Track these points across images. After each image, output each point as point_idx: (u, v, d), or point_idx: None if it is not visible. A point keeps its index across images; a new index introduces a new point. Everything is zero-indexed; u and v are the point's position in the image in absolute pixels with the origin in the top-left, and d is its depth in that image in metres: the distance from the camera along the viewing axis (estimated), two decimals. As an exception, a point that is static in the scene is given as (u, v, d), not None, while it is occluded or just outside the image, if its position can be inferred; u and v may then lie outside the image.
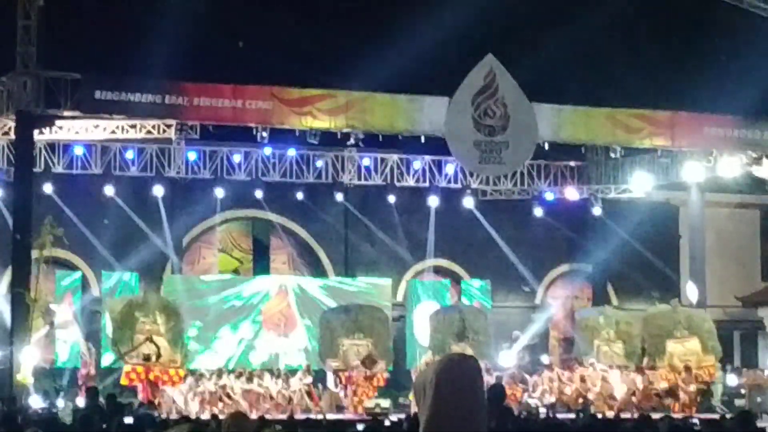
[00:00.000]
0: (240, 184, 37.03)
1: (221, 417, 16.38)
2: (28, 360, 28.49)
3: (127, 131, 33.49)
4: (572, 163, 39.27)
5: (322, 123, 31.37)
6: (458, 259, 39.67)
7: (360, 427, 17.29)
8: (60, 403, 27.91)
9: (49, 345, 33.63)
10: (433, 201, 38.55)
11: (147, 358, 29.92)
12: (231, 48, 31.75)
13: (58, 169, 35.18)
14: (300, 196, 37.49)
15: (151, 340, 30.05)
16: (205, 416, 24.98)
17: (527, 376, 33.32)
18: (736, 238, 41.82)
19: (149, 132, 33.43)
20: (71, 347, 34.04)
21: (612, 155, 35.17)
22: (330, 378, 32.39)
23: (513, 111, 32.02)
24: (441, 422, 4.01)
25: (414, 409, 24.65)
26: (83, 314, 34.96)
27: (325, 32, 34.13)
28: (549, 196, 39.39)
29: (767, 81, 33.14)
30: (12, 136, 31.63)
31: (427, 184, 38.54)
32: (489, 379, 27.24)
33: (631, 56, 35.44)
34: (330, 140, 32.76)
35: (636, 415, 21.94)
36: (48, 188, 34.29)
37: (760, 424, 16.28)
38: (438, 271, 39.86)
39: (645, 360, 33.18)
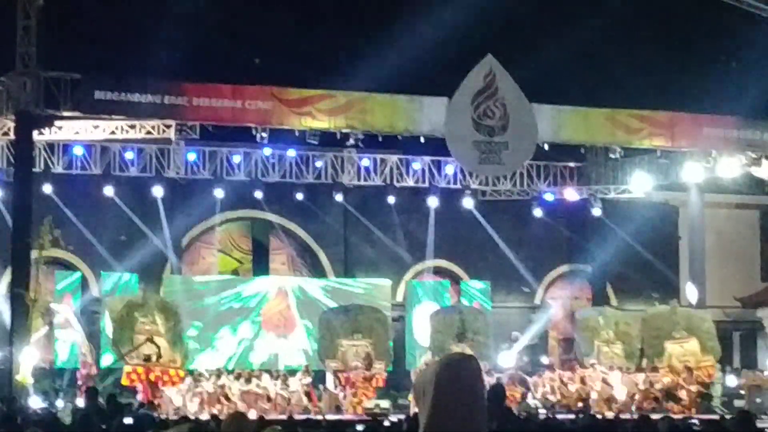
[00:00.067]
0: (239, 184, 37.02)
1: (221, 417, 16.38)
2: (27, 360, 28.49)
3: (127, 131, 33.49)
4: (572, 164, 39.27)
5: (322, 123, 31.37)
6: (458, 259, 39.67)
7: (360, 427, 17.28)
8: (59, 403, 27.90)
9: (48, 345, 33.62)
10: (433, 201, 38.55)
11: (147, 358, 29.95)
12: (231, 48, 31.74)
13: (58, 169, 35.16)
14: (299, 196, 37.48)
15: (152, 341, 30.09)
16: (204, 416, 24.96)
17: (527, 377, 33.31)
18: (736, 239, 41.83)
19: (149, 132, 33.42)
20: (71, 347, 34.03)
21: (611, 156, 35.16)
22: (329, 378, 32.39)
23: (513, 111, 32.03)
24: (441, 422, 4.00)
25: (413, 409, 24.64)
26: (83, 315, 34.93)
27: (325, 32, 34.14)
28: (548, 196, 39.38)
29: (767, 81, 33.14)
30: (12, 136, 31.62)
31: (426, 185, 38.54)
32: (490, 380, 27.25)
33: (631, 57, 35.43)
34: (329, 141, 32.76)
35: (636, 416, 21.95)
36: (47, 188, 34.27)
37: (759, 424, 16.28)
38: (437, 271, 39.87)
39: (644, 361, 33.21)
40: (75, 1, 31.71)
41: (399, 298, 38.94)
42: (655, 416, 18.32)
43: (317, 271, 38.87)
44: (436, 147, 33.80)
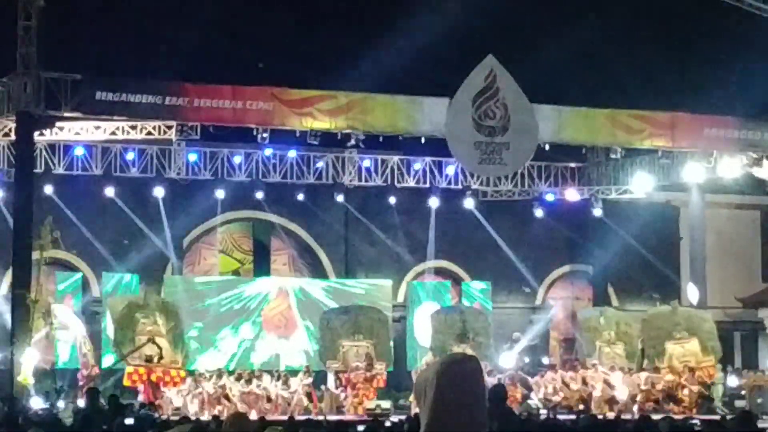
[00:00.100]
0: (240, 185, 37.02)
1: (222, 418, 16.38)
2: (28, 361, 28.48)
3: (128, 132, 33.50)
4: (573, 164, 39.27)
5: (323, 124, 31.37)
6: (459, 260, 39.67)
7: (361, 428, 17.27)
8: (60, 404, 27.89)
9: (49, 346, 33.60)
10: (434, 202, 38.56)
11: (149, 359, 29.98)
12: (231, 49, 31.75)
13: (59, 170, 35.17)
14: (300, 197, 37.48)
15: (153, 341, 30.11)
16: (205, 417, 24.96)
17: (528, 378, 33.31)
18: (737, 239, 41.82)
19: (150, 133, 33.43)
20: (71, 348, 34.02)
21: (612, 156, 35.14)
22: (331, 379, 32.40)
23: (513, 112, 32.02)
24: (442, 423, 4.00)
25: (414, 410, 24.64)
26: (83, 315, 34.94)
27: (326, 33, 34.15)
28: (549, 197, 39.38)
29: (767, 82, 33.13)
30: (12, 137, 31.63)
31: (427, 185, 38.53)
32: (491, 381, 27.26)
33: (632, 57, 35.43)
34: (330, 141, 32.76)
35: (636, 416, 21.95)
36: (48, 189, 34.29)
37: (760, 424, 16.27)
38: (438, 272, 39.86)
39: (645, 362, 33.21)
40: (75, 1, 31.72)
41: (400, 298, 38.95)
42: (655, 416, 18.32)
43: (318, 271, 38.87)
44: (437, 147, 33.80)
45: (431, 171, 38.44)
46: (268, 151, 36.50)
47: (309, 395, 31.68)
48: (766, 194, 39.63)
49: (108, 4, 31.77)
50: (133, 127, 33.23)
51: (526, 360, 36.05)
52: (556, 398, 32.27)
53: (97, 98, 29.64)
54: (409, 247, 39.23)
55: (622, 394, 32.07)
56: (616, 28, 34.69)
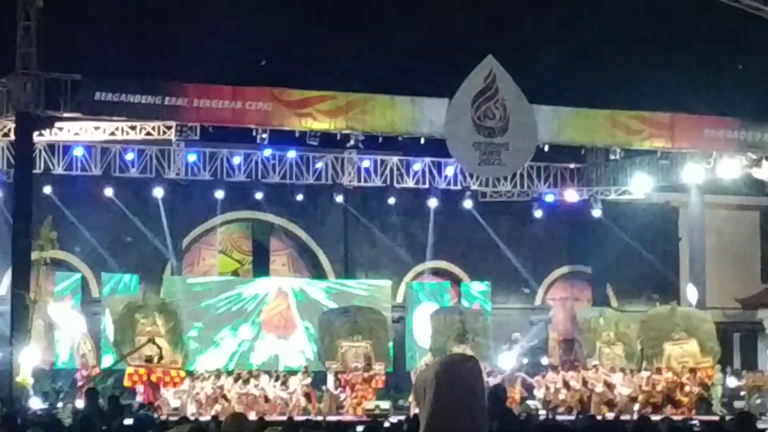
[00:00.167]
0: (240, 185, 37.01)
1: (221, 418, 16.37)
2: (27, 361, 28.47)
3: (127, 132, 33.48)
4: (572, 165, 39.26)
5: (322, 124, 31.37)
6: (458, 260, 39.66)
7: (360, 428, 17.27)
8: (59, 404, 27.88)
9: (49, 346, 33.60)
10: (433, 202, 38.54)
11: (149, 359, 30.00)
12: (231, 49, 31.73)
13: (58, 170, 35.15)
14: (300, 197, 37.45)
15: (153, 342, 30.12)
16: (203, 417, 24.96)
17: (530, 379, 33.31)
18: (736, 240, 41.81)
19: (149, 133, 33.42)
20: (71, 348, 33.99)
21: (612, 157, 35.13)
22: (330, 379, 32.40)
23: (513, 112, 32.01)
24: (441, 422, 4.00)
25: (414, 410, 24.64)
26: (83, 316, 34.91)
27: (326, 33, 34.12)
28: (549, 197, 39.37)
29: (767, 82, 33.14)
30: (12, 137, 31.61)
31: (426, 186, 38.51)
32: (493, 381, 27.28)
33: (631, 58, 35.43)
34: (330, 142, 32.75)
35: (636, 417, 21.94)
36: (48, 189, 34.28)
37: (760, 425, 16.26)
38: (438, 272, 39.86)
39: (644, 363, 33.22)
40: (75, 1, 31.70)
41: (399, 299, 38.94)
42: (655, 417, 18.32)
43: (317, 272, 38.87)
44: (437, 148, 33.80)
45: (430, 172, 38.42)
46: (268, 152, 36.48)
47: (307, 396, 31.67)
48: (766, 195, 39.63)
49: (108, 4, 31.74)
50: (133, 128, 33.21)
51: (525, 361, 36.04)
52: (558, 398, 32.26)
53: (96, 98, 29.63)
54: (409, 247, 39.22)
55: (622, 395, 32.07)
56: (616, 29, 34.69)
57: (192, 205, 36.93)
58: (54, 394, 29.30)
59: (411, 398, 29.74)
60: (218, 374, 32.02)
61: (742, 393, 34.82)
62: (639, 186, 38.14)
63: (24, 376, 28.15)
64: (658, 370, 32.51)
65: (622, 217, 39.37)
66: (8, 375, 28.46)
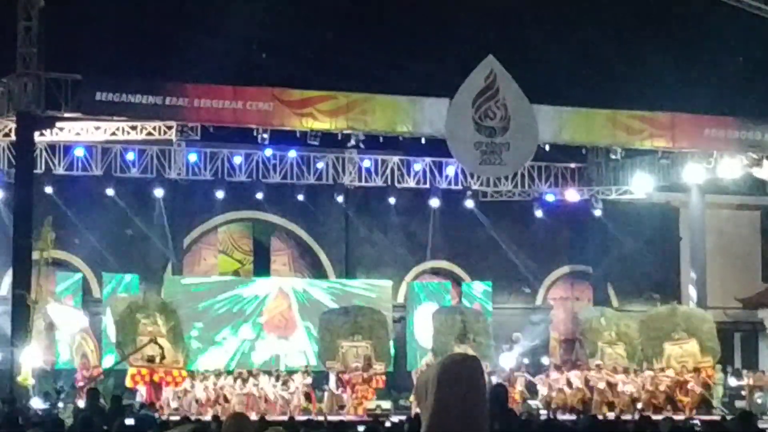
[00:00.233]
0: (240, 185, 37.03)
1: (221, 418, 16.37)
2: (29, 361, 28.48)
3: (128, 133, 33.50)
4: (573, 165, 39.27)
5: (323, 124, 31.38)
6: (459, 260, 39.67)
7: (361, 428, 17.27)
8: (60, 404, 27.88)
9: (50, 346, 33.60)
10: (434, 202, 38.55)
11: (151, 359, 30.02)
12: (232, 49, 31.73)
13: (59, 170, 35.17)
14: (300, 197, 37.47)
15: (156, 342, 30.14)
16: (203, 417, 24.96)
17: (532, 379, 33.32)
18: (737, 240, 41.80)
19: (150, 133, 33.43)
20: (70, 348, 33.98)
21: (612, 157, 35.15)
22: (332, 379, 32.42)
23: (514, 112, 32.02)
24: (442, 422, 4.00)
25: (415, 410, 24.66)
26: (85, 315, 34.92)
27: (326, 33, 34.12)
28: (549, 197, 39.37)
29: (767, 82, 33.12)
30: (13, 137, 31.64)
31: (427, 186, 38.52)
32: (493, 381, 27.28)
33: (632, 57, 35.41)
34: (331, 141, 32.77)
35: (637, 417, 21.94)
36: (48, 189, 34.30)
37: (760, 425, 16.27)
38: (438, 272, 39.87)
39: (644, 363, 33.25)
40: (76, 2, 31.70)
41: (400, 299, 38.95)
42: (656, 417, 18.33)
43: (318, 272, 38.87)
44: (437, 148, 33.80)
45: (431, 171, 38.43)
46: (268, 152, 36.50)
47: (308, 395, 31.68)
48: (766, 195, 39.63)
49: (108, 4, 31.74)
50: (134, 128, 33.23)
51: (526, 361, 36.05)
52: (560, 398, 32.27)
53: (97, 98, 29.66)
54: (409, 247, 39.22)
55: (625, 394, 32.08)
56: (616, 29, 34.67)
57: (193, 205, 36.95)
58: (55, 394, 29.28)
59: (412, 398, 29.78)
60: (218, 374, 32.03)
61: (743, 392, 34.83)
62: (640, 186, 38.15)
63: (24, 376, 28.16)
64: (662, 370, 32.53)
65: (623, 217, 39.38)
66: (9, 375, 28.46)
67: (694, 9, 34.13)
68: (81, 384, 30.02)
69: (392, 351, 34.85)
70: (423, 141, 33.16)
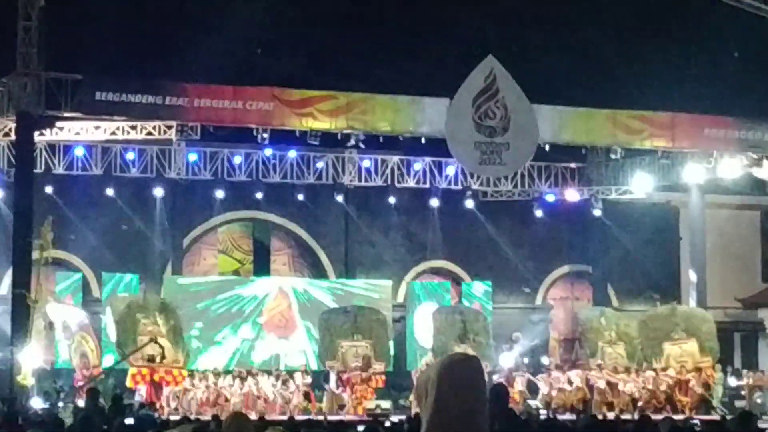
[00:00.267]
0: (240, 185, 37.03)
1: (221, 418, 16.37)
2: (29, 361, 28.48)
3: (128, 132, 33.49)
4: (573, 165, 39.26)
5: (323, 124, 31.37)
6: (459, 260, 39.67)
7: (360, 428, 17.27)
8: (60, 404, 27.89)
9: (50, 345, 33.60)
10: (434, 202, 38.57)
11: (151, 359, 30.03)
12: (232, 48, 31.72)
13: (59, 170, 35.18)
14: (300, 197, 37.48)
15: (156, 341, 30.15)
16: (202, 417, 24.96)
17: (534, 378, 33.32)
18: (737, 240, 41.79)
19: (150, 133, 33.43)
20: (69, 348, 33.97)
21: (612, 156, 35.15)
22: (332, 379, 32.42)
23: (513, 112, 32.02)
24: (443, 422, 4.00)
25: (415, 410, 24.66)
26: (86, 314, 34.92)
27: (326, 33, 34.11)
28: (549, 197, 39.37)
29: (767, 81, 33.11)
30: (13, 137, 31.62)
31: (427, 186, 38.53)
32: (500, 380, 27.32)
33: (632, 57, 35.40)
34: (330, 141, 32.76)
35: (637, 416, 21.95)
36: (48, 189, 34.31)
37: (761, 425, 16.27)
38: (438, 272, 39.87)
39: (644, 363, 33.26)
40: (76, 2, 31.69)
41: (400, 298, 38.95)
42: (656, 417, 18.32)
43: (318, 271, 38.88)
44: (437, 148, 33.80)
45: (431, 171, 38.43)
46: (268, 152, 36.50)
47: (307, 395, 31.68)
48: (766, 195, 39.62)
49: (108, 4, 31.73)
50: (133, 127, 33.22)
51: (526, 360, 36.06)
52: (561, 398, 32.27)
53: (97, 98, 29.65)
54: (409, 247, 39.23)
55: (625, 393, 32.09)
56: (616, 29, 34.67)
57: (193, 204, 36.96)
58: (55, 393, 29.29)
59: (411, 398, 29.78)
60: (217, 373, 32.04)
61: (743, 392, 34.84)
62: (640, 185, 38.14)
63: (23, 375, 28.14)
64: (663, 370, 32.54)
65: (623, 216, 39.38)
66: (9, 375, 28.46)
67: (693, 9, 34.12)
68: (81, 383, 30.02)
69: (392, 351, 34.85)
70: (423, 141, 33.15)
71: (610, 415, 26.83)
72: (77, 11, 31.23)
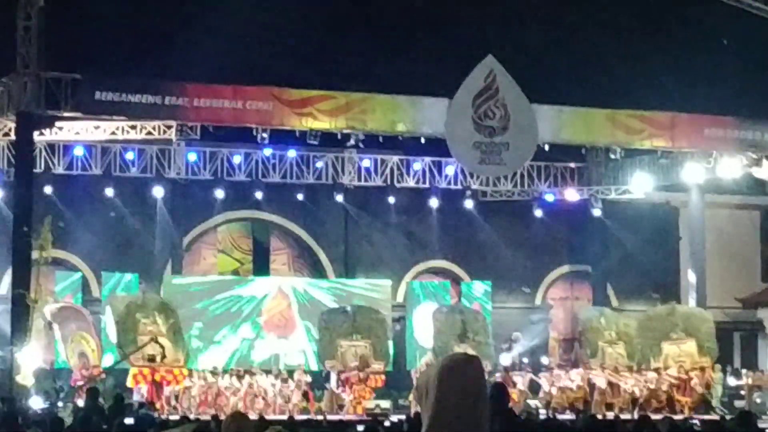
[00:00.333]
0: (240, 185, 37.03)
1: (221, 417, 16.38)
2: (28, 361, 28.47)
3: (128, 132, 33.49)
4: (572, 164, 39.26)
5: (323, 124, 31.37)
6: (458, 260, 39.66)
7: (360, 428, 17.27)
8: (60, 403, 27.88)
9: (49, 345, 33.58)
10: (434, 202, 38.56)
11: (152, 358, 30.03)
12: (231, 49, 31.74)
13: (59, 170, 35.17)
14: (300, 197, 37.48)
15: (156, 341, 30.15)
16: (201, 416, 24.95)
17: (535, 377, 33.33)
18: (736, 240, 41.80)
19: (149, 133, 33.43)
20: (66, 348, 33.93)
21: (612, 156, 35.16)
22: (333, 378, 32.43)
23: (513, 112, 32.02)
24: (444, 422, 4.00)
25: (414, 409, 24.67)
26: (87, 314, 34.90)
27: (326, 33, 34.12)
28: (549, 197, 39.37)
29: (767, 81, 33.12)
30: (12, 136, 31.63)
31: (427, 185, 38.52)
32: (496, 379, 27.31)
33: (631, 57, 35.42)
34: (330, 141, 32.76)
35: (636, 416, 21.95)
36: (48, 189, 34.30)
37: (760, 424, 16.28)
38: (438, 272, 39.86)
39: (643, 363, 33.29)
40: (75, 1, 31.70)
41: (399, 298, 38.93)
42: (655, 417, 18.33)
43: (318, 271, 38.87)
44: (437, 147, 33.80)
45: (431, 171, 38.43)
46: (268, 151, 36.49)
47: (305, 394, 31.68)
48: (766, 194, 39.64)
49: (108, 4, 31.75)
50: (133, 127, 33.22)
51: (525, 360, 36.06)
52: (562, 397, 32.27)
53: (96, 98, 29.66)
54: (409, 247, 39.22)
55: (626, 392, 32.10)
56: (616, 28, 34.68)
57: (192, 204, 36.95)
58: (54, 393, 29.28)
59: (411, 397, 29.78)
60: (216, 373, 32.03)
61: (742, 392, 34.85)
62: (639, 185, 38.14)
63: (24, 375, 28.14)
64: (666, 368, 32.55)
65: (623, 216, 39.38)
66: (9, 374, 28.46)
67: (693, 9, 34.12)
68: (80, 383, 30.01)
69: (391, 350, 34.85)
70: (422, 141, 33.16)
71: (610, 415, 26.83)
72: (77, 11, 31.25)
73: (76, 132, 33.06)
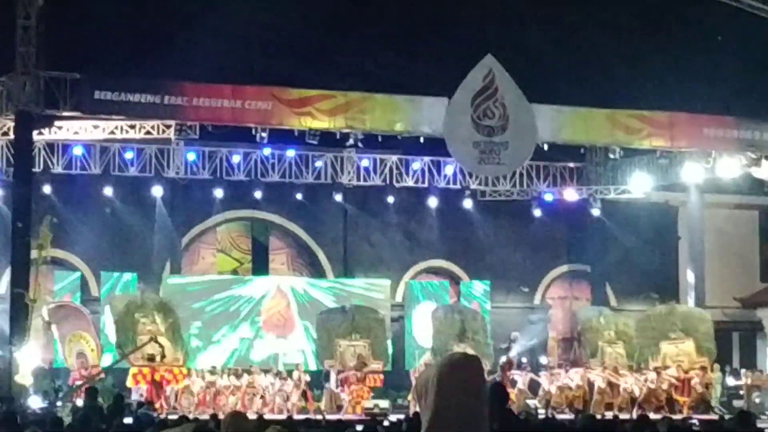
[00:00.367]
0: (239, 184, 37.02)
1: (220, 417, 16.38)
2: (27, 360, 28.47)
3: (127, 131, 33.49)
4: (571, 164, 39.26)
5: (322, 123, 31.38)
6: (457, 259, 39.67)
7: (359, 427, 17.27)
8: (59, 403, 27.88)
9: (48, 344, 33.58)
10: (433, 202, 38.56)
11: (151, 358, 30.04)
12: (231, 48, 31.74)
13: (58, 169, 35.17)
14: (299, 196, 37.48)
15: (156, 341, 30.16)
16: (199, 415, 24.95)
17: (535, 377, 33.34)
18: (735, 239, 41.81)
19: (148, 132, 33.43)
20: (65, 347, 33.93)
21: (611, 156, 35.17)
22: (332, 378, 32.44)
23: (512, 111, 32.03)
24: (442, 422, 4.00)
25: (413, 409, 24.65)
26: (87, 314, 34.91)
27: (325, 33, 34.11)
28: (548, 196, 39.37)
29: (767, 82, 33.12)
30: (11, 136, 31.63)
31: (426, 185, 38.52)
32: (496, 378, 27.28)
33: (631, 57, 35.42)
34: (329, 141, 32.76)
35: (635, 416, 21.95)
36: (47, 188, 34.30)
37: (759, 424, 16.29)
38: (437, 271, 39.86)
39: (641, 363, 33.30)
40: (75, 1, 31.69)
41: (398, 298, 38.94)
42: (654, 416, 18.33)
43: (317, 271, 38.88)
44: (436, 147, 33.80)
45: (430, 171, 38.42)
46: (267, 151, 36.48)
47: (304, 394, 31.68)
48: (765, 194, 39.60)
49: (108, 4, 31.74)
50: (132, 127, 33.22)
51: (524, 360, 36.07)
52: (562, 397, 32.28)
53: (95, 97, 29.66)
54: (408, 246, 39.22)
55: (626, 392, 32.11)
56: (615, 28, 34.67)
57: (191, 203, 36.94)
58: (53, 392, 29.28)
59: (410, 397, 29.78)
60: (214, 372, 32.04)
61: (741, 392, 34.87)
62: (638, 185, 38.14)
63: (23, 375, 28.13)
64: (665, 368, 32.57)
65: (622, 216, 39.38)
66: (8, 374, 28.46)
67: (693, 9, 34.12)
68: (79, 382, 30.00)
69: (390, 350, 34.86)
70: (421, 140, 33.17)
71: (609, 415, 26.83)
72: (76, 10, 31.23)
73: (75, 131, 33.06)
